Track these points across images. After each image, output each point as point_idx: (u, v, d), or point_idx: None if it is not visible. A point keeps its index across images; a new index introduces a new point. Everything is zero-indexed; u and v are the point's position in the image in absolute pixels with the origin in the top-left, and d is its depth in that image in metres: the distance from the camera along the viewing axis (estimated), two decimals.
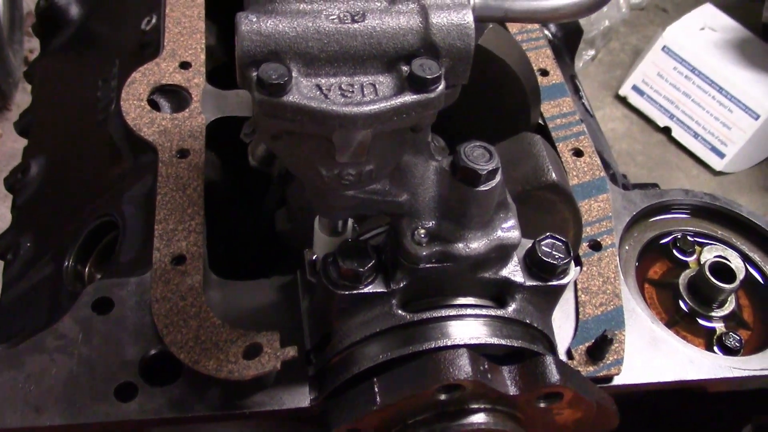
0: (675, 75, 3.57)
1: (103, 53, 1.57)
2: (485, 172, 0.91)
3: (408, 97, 0.80)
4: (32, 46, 3.48)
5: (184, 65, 1.36)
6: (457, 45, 0.82)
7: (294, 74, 0.79)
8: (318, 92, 0.80)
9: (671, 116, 3.64)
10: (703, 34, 3.58)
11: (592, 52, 3.83)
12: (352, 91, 0.80)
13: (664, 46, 3.57)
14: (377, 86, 0.81)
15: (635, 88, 3.73)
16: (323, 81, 0.81)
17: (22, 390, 0.98)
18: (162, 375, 1.02)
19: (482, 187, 0.92)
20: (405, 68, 0.81)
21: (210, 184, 1.22)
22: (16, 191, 1.52)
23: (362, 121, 0.79)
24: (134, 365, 1.02)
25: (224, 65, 1.52)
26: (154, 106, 1.30)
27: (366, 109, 0.79)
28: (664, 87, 3.63)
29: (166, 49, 1.38)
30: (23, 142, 1.66)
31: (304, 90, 0.79)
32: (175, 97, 1.32)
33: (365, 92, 0.81)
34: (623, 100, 3.78)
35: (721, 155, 3.52)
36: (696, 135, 3.58)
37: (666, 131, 3.67)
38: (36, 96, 1.70)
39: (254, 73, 0.78)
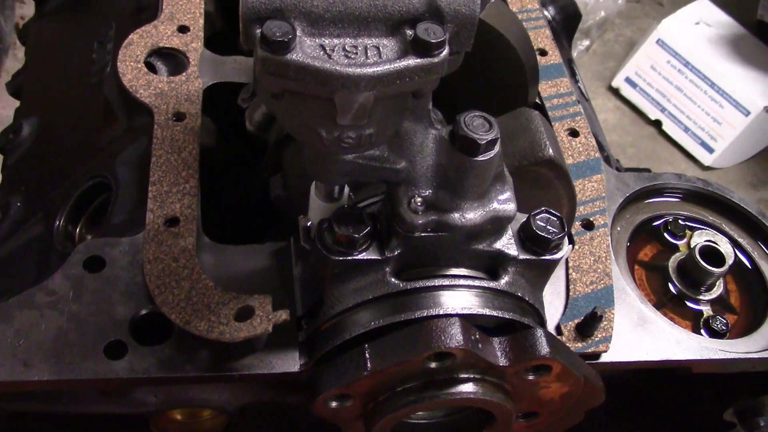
0: (668, 68, 3.58)
1: (100, 15, 1.55)
2: (484, 142, 0.91)
3: (411, 61, 0.80)
4: (23, 12, 3.44)
5: (183, 29, 1.34)
6: (462, 11, 0.82)
7: (298, 33, 0.79)
8: (321, 52, 0.79)
9: (662, 109, 3.65)
10: (698, 28, 3.59)
11: (586, 43, 3.83)
12: (356, 53, 0.80)
13: (659, 39, 3.57)
14: (381, 49, 0.81)
15: (628, 80, 3.73)
16: (327, 41, 0.80)
17: (11, 344, 0.98)
18: (152, 335, 1.02)
19: (481, 157, 0.92)
20: (409, 32, 0.81)
21: (205, 148, 1.21)
22: (7, 151, 1.50)
23: (365, 82, 0.78)
24: (124, 324, 1.02)
25: (221, 33, 1.51)
26: (151, 68, 1.29)
27: (369, 70, 0.78)
28: (657, 80, 3.63)
29: (165, 12, 1.36)
30: (12, 108, 1.64)
31: (308, 49, 0.79)
32: (173, 60, 1.32)
33: (369, 54, 0.80)
34: (615, 92, 3.78)
35: (711, 150, 3.53)
36: (686, 129, 3.59)
37: (657, 124, 3.68)
38: (30, 57, 1.68)
39: (258, 30, 0.77)
